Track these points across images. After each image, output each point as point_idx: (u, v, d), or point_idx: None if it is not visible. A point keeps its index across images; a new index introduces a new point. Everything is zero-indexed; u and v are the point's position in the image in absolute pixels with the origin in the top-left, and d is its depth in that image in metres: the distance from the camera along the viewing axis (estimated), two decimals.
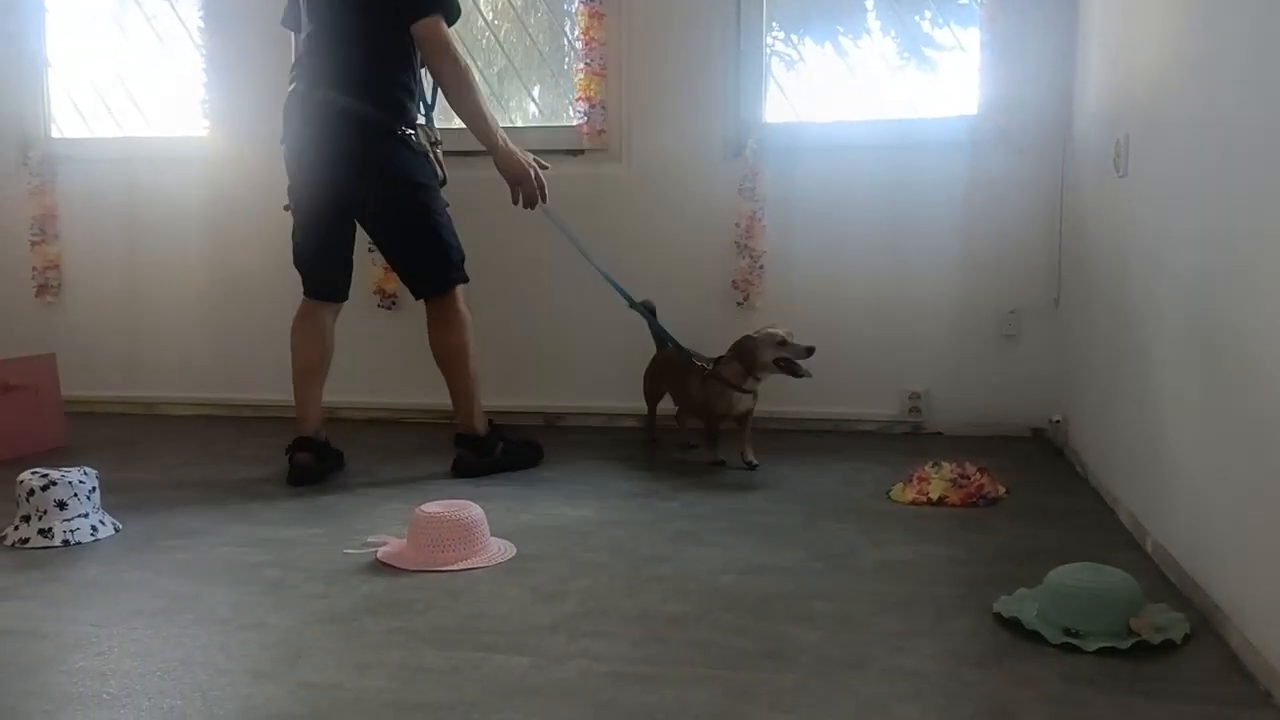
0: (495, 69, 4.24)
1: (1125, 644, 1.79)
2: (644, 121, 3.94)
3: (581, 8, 3.93)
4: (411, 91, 3.17)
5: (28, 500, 2.54)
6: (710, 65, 3.87)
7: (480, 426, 3.27)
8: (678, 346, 3.41)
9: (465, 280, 3.27)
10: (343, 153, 3.05)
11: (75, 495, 2.56)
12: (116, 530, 2.62)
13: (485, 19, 4.23)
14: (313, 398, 3.23)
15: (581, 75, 3.95)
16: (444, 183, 3.26)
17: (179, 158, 4.30)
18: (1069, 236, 3.53)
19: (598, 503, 2.88)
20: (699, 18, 3.86)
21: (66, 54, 4.52)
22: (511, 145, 3.19)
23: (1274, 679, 1.62)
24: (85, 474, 2.63)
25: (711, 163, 3.89)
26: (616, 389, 3.91)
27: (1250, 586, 1.76)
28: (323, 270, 3.21)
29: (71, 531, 2.52)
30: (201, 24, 4.25)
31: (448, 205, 3.27)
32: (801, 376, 3.13)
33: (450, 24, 3.10)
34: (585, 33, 3.92)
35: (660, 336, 3.49)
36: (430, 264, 3.21)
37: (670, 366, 3.43)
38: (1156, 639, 1.81)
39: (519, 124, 4.22)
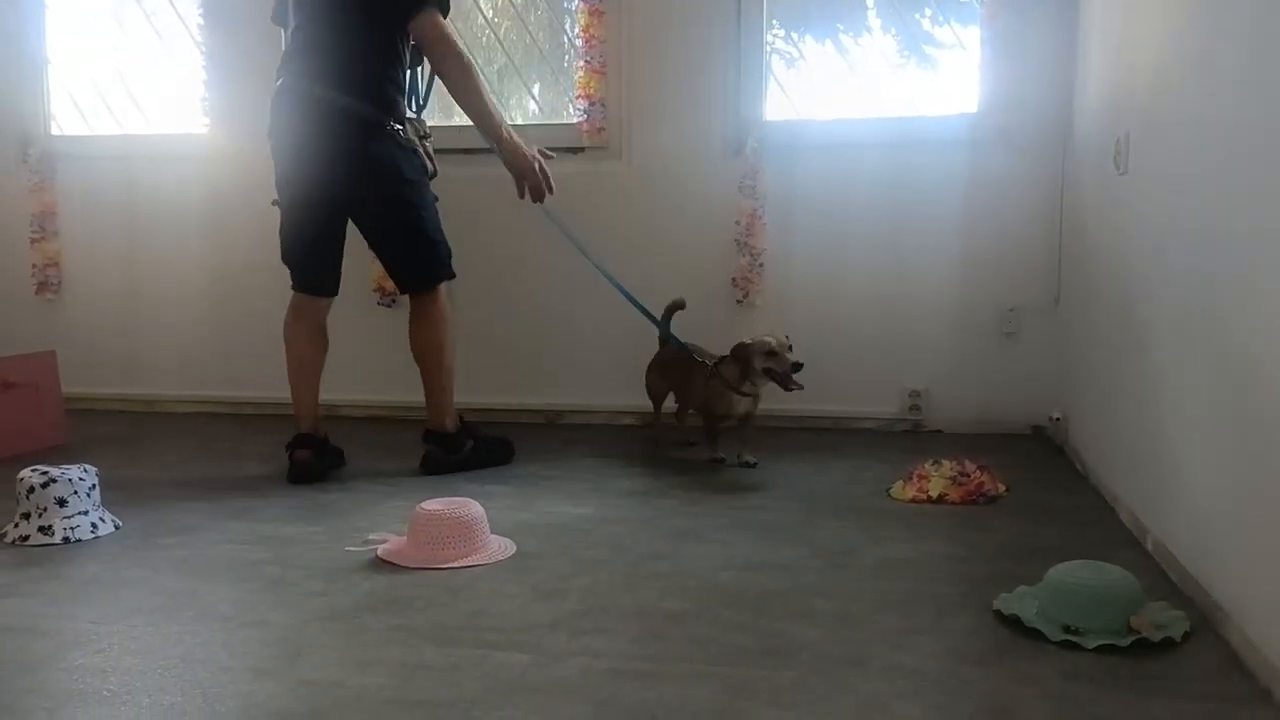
0: (495, 67, 4.24)
1: (1125, 642, 1.79)
2: (644, 119, 3.94)
3: (581, 5, 3.93)
4: (400, 86, 3.17)
5: (28, 498, 2.54)
6: (710, 63, 3.87)
7: (450, 424, 3.30)
8: (680, 344, 3.41)
9: (452, 276, 3.29)
10: (331, 148, 3.05)
11: (75, 492, 2.56)
12: (116, 527, 2.62)
13: (485, 16, 4.23)
14: (310, 395, 3.23)
15: (581, 73, 3.95)
16: (434, 175, 3.26)
17: (179, 155, 4.30)
18: (1069, 234, 3.53)
19: (598, 500, 2.88)
20: (699, 15, 3.86)
21: (66, 51, 4.52)
22: (516, 138, 3.18)
23: (1274, 676, 1.62)
24: (85, 471, 2.63)
25: (712, 160, 3.89)
26: (617, 387, 3.91)
27: (1250, 584, 1.76)
28: (314, 265, 3.20)
29: (71, 529, 2.52)
30: (201, 21, 4.25)
31: (437, 200, 3.27)
32: (790, 390, 3.09)
33: (444, 16, 3.10)
34: (585, 30, 3.92)
35: (665, 335, 3.48)
36: (417, 260, 3.22)
37: (675, 364, 3.43)
38: (1156, 637, 1.81)
39: (519, 121, 4.22)
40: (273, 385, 3.65)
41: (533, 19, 4.24)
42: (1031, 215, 3.67)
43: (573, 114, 4.01)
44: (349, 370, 3.79)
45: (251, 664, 1.80)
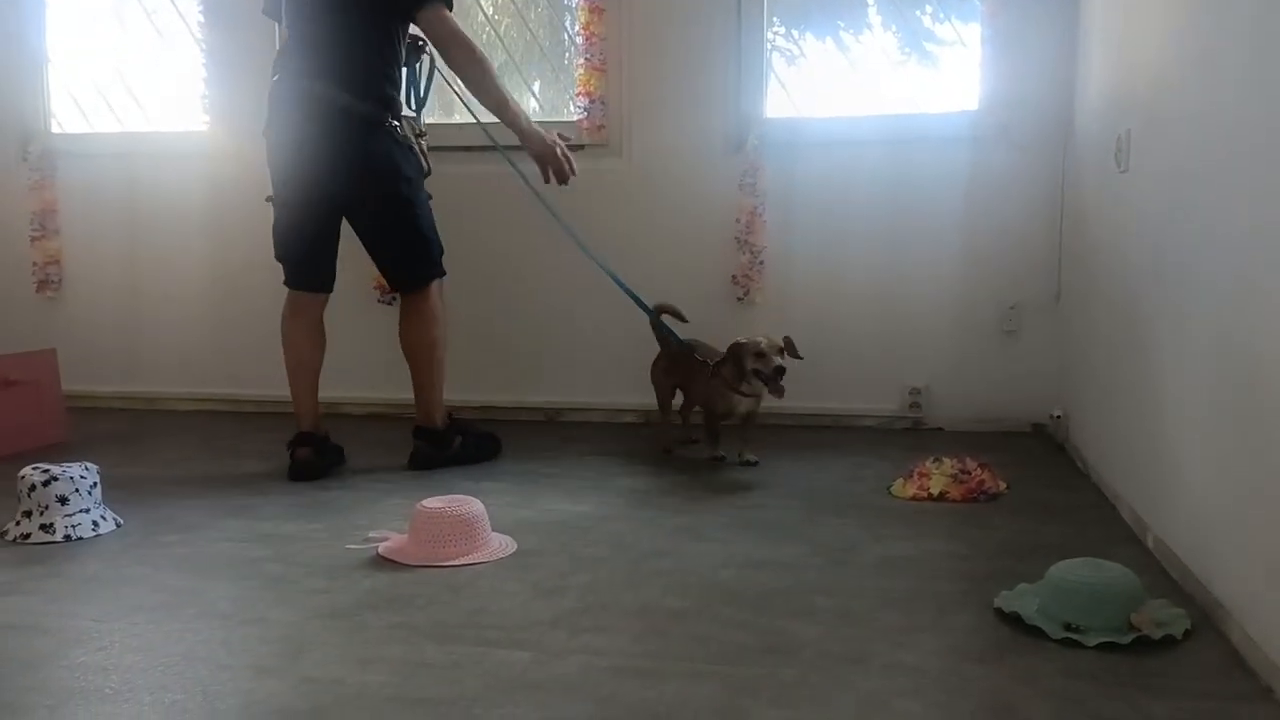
0: (495, 64, 4.23)
1: (1126, 639, 1.79)
2: (644, 117, 3.94)
3: (582, 2, 3.92)
4: (397, 84, 3.17)
5: (29, 495, 2.54)
6: (711, 60, 3.87)
7: (439, 420, 3.31)
8: (679, 342, 3.40)
9: (443, 274, 3.30)
10: (330, 145, 3.05)
11: (76, 490, 2.56)
12: (118, 525, 2.62)
13: (485, 14, 4.23)
14: (309, 392, 3.23)
15: (582, 70, 3.94)
16: (428, 174, 3.27)
17: (179, 153, 4.30)
18: (1070, 232, 3.52)
19: (598, 498, 2.88)
20: (699, 12, 3.86)
21: (67, 49, 4.52)
22: (535, 125, 3.20)
23: (1275, 674, 1.62)
24: (86, 469, 2.63)
25: (712, 158, 3.88)
26: (618, 385, 3.91)
27: (1251, 582, 1.76)
28: (311, 262, 3.21)
29: (73, 527, 2.52)
30: (201, 19, 4.25)
31: (430, 198, 3.28)
32: (772, 394, 3.08)
33: (449, 10, 3.11)
34: (585, 28, 3.92)
35: (664, 335, 3.47)
36: (411, 258, 3.23)
37: (680, 362, 3.42)
38: (1157, 634, 1.81)
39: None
40: (273, 383, 3.65)
41: (533, 16, 4.24)
42: (1032, 213, 3.67)
43: (573, 111, 4.01)
44: (350, 368, 3.79)
45: (252, 661, 1.80)
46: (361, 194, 3.13)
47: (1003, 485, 2.89)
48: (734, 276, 3.87)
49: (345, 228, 3.24)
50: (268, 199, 3.19)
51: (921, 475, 2.89)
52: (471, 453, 3.34)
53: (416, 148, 3.20)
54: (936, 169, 3.73)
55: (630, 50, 3.92)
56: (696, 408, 3.44)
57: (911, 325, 3.80)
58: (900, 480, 2.93)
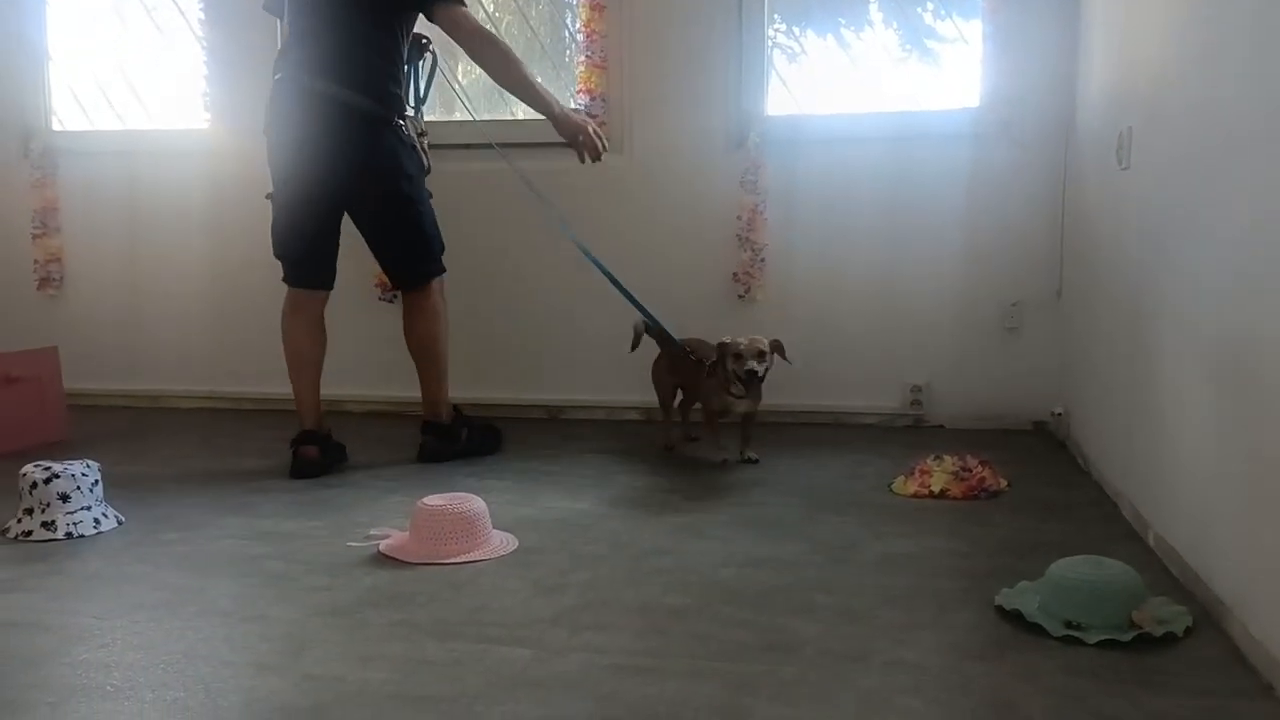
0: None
1: (1127, 636, 1.79)
2: (645, 114, 3.94)
3: (583, 0, 3.92)
4: (400, 82, 3.19)
5: (30, 493, 2.54)
6: (712, 58, 3.87)
7: (446, 414, 3.35)
8: (673, 342, 3.39)
9: (443, 272, 3.32)
10: (333, 142, 3.06)
11: (78, 488, 2.56)
12: (119, 523, 2.62)
13: (486, 11, 4.22)
14: (311, 390, 3.24)
15: (583, 67, 3.94)
16: (428, 172, 3.28)
17: (180, 150, 4.30)
18: (1071, 229, 3.52)
19: (599, 495, 2.88)
20: (700, 10, 3.85)
21: (68, 46, 4.52)
22: (566, 109, 3.25)
23: (1276, 671, 1.62)
24: (88, 467, 2.63)
25: (713, 155, 3.88)
26: (619, 383, 3.91)
27: (1252, 579, 1.76)
28: (314, 260, 3.21)
29: (74, 524, 2.52)
30: (202, 16, 4.25)
31: (431, 196, 3.29)
32: (747, 397, 3.12)
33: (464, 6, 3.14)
34: (586, 25, 3.91)
35: (664, 335, 3.46)
36: (413, 256, 3.25)
37: (681, 361, 3.41)
38: (1158, 631, 1.81)
39: (520, 116, 4.22)
40: (274, 380, 3.65)
41: (534, 13, 4.24)
42: (1033, 210, 3.66)
43: (574, 108, 4.00)
44: (350, 366, 3.79)
45: (254, 659, 1.81)
46: (364, 192, 3.14)
47: (1004, 483, 2.89)
48: (735, 274, 3.86)
49: (345, 225, 3.25)
50: (268, 196, 3.19)
51: (922, 473, 2.89)
52: (477, 445, 3.38)
53: (419, 146, 3.21)
54: (938, 166, 3.72)
55: (631, 47, 3.92)
56: (696, 405, 3.43)
57: (912, 322, 3.80)
58: (901, 478, 2.93)
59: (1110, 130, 2.86)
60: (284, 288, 3.24)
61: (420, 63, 3.31)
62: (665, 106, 3.92)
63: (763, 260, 3.84)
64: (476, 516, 2.39)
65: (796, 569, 2.24)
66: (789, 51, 4.09)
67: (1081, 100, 3.43)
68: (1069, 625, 1.83)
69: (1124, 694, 1.62)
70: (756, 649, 1.82)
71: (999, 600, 1.98)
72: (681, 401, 3.54)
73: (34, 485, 2.54)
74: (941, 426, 3.79)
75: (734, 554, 2.34)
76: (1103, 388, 2.95)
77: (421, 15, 3.15)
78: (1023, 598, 1.96)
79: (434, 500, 2.40)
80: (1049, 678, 1.68)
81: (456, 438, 3.35)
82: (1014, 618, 1.91)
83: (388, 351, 3.88)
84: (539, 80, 3.21)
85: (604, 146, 3.26)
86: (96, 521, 2.57)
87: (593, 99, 3.92)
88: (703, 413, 3.33)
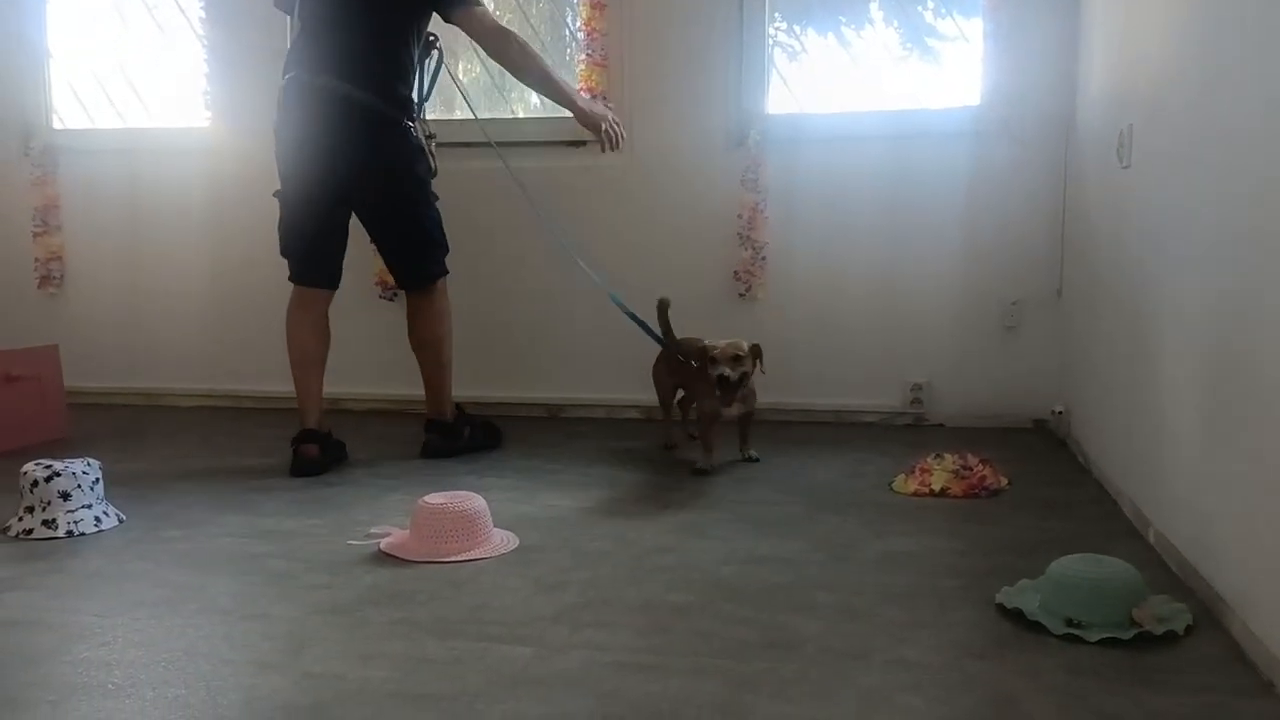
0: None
1: (1127, 634, 1.79)
2: (646, 112, 3.94)
3: None
4: (410, 84, 3.20)
5: (31, 491, 2.54)
6: (712, 56, 3.87)
7: (449, 413, 3.39)
8: (663, 342, 3.38)
9: (448, 273, 3.35)
10: (345, 142, 3.07)
11: (79, 486, 2.56)
12: (120, 521, 2.62)
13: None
14: (314, 388, 3.24)
15: (583, 66, 3.94)
16: (435, 174, 3.30)
17: (181, 149, 4.30)
18: (1072, 227, 3.52)
19: (600, 493, 2.88)
20: (701, 8, 3.85)
21: (68, 44, 4.52)
22: (588, 101, 3.32)
23: (1276, 669, 1.62)
24: (89, 465, 2.63)
25: (713, 154, 3.88)
26: (619, 381, 3.91)
27: (1252, 576, 1.76)
28: (321, 259, 3.22)
29: (75, 522, 2.52)
30: (203, 14, 4.25)
31: (438, 199, 3.31)
32: (721, 403, 3.08)
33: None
34: (587, 23, 3.91)
35: (663, 335, 3.44)
36: (420, 257, 3.28)
37: (683, 362, 3.40)
38: (1159, 629, 1.81)
39: (520, 115, 4.22)
40: (274, 379, 3.66)
41: (534, 12, 4.23)
42: (1034, 208, 3.66)
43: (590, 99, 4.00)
44: (351, 364, 3.79)
45: (254, 657, 1.81)
46: (372, 192, 3.17)
47: (1004, 481, 2.89)
48: (736, 272, 3.86)
49: (353, 225, 3.25)
50: (275, 193, 3.20)
51: (923, 471, 2.89)
52: (479, 443, 3.41)
53: (427, 149, 3.24)
54: (938, 164, 3.72)
55: (632, 46, 3.92)
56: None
57: (913, 321, 3.80)
58: (901, 476, 2.93)
59: (1111, 128, 2.86)
60: (286, 285, 3.24)
61: (426, 60, 3.32)
62: (666, 105, 3.92)
63: (763, 259, 3.84)
64: (477, 515, 2.39)
65: (797, 567, 2.24)
66: (790, 50, 4.09)
67: (1082, 98, 3.43)
68: (1070, 623, 1.83)
69: (1125, 692, 1.62)
70: (758, 647, 1.82)
71: (999, 598, 1.98)
72: (681, 400, 3.54)
73: (35, 483, 2.54)
74: (942, 425, 3.79)
75: (735, 552, 2.34)
76: (1103, 386, 2.95)
77: (435, 14, 3.17)
78: (1023, 596, 1.96)
79: (434, 498, 2.40)
80: (1049, 676, 1.68)
81: (459, 435, 3.38)
82: (1014, 616, 1.91)
83: (387, 350, 3.89)
84: (560, 77, 3.25)
85: (622, 136, 3.30)
86: (97, 519, 2.57)
87: (593, 97, 3.92)
88: (697, 414, 3.31)
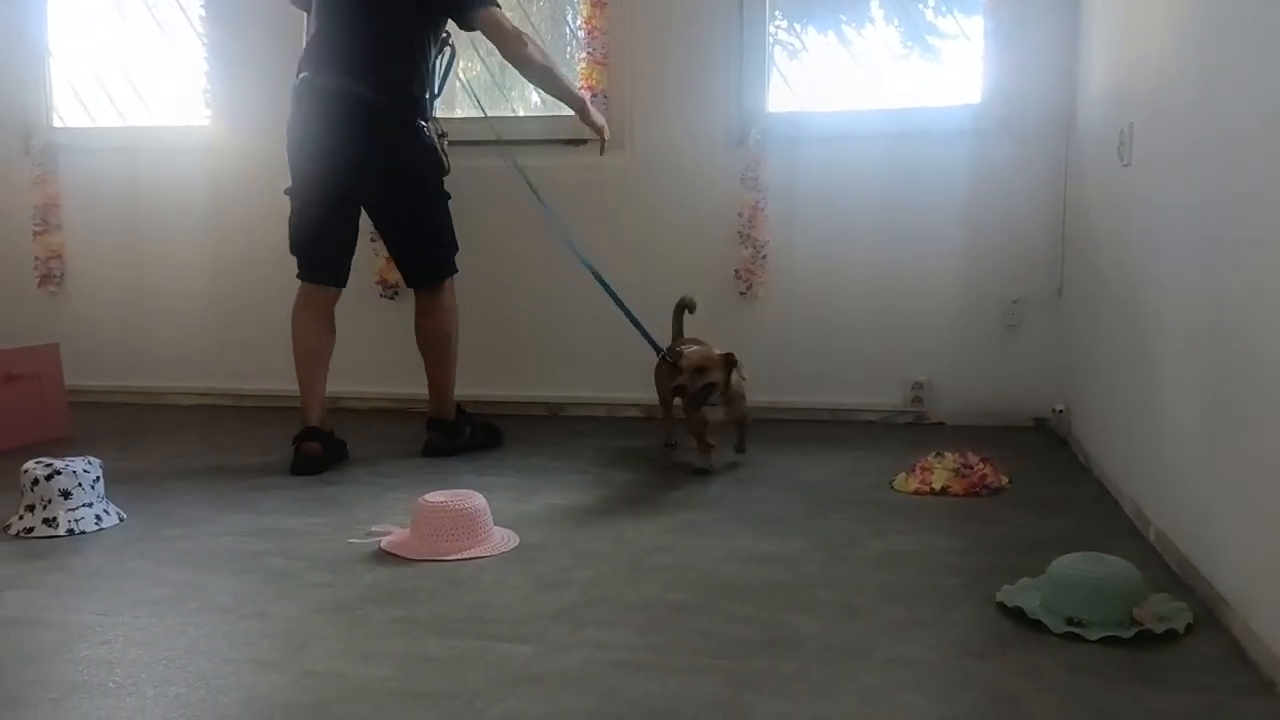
0: (496, 58, 4.20)
1: (1128, 633, 1.80)
2: (646, 111, 3.93)
3: None
4: (425, 86, 3.23)
5: (32, 489, 2.54)
6: (713, 54, 3.86)
7: (451, 412, 3.41)
8: (657, 347, 3.36)
9: (456, 272, 3.36)
10: (355, 141, 3.09)
11: (79, 484, 2.56)
12: (120, 519, 2.62)
13: None
14: (318, 385, 3.25)
15: (584, 64, 3.93)
16: (447, 173, 3.31)
17: (181, 147, 4.30)
18: (1072, 226, 3.52)
19: (600, 492, 2.88)
20: (701, 7, 3.85)
21: (68, 43, 4.52)
22: (593, 107, 3.41)
23: (1277, 668, 1.62)
24: (89, 463, 2.63)
25: (714, 152, 3.88)
26: (619, 379, 3.91)
27: (1253, 575, 1.76)
28: (331, 257, 3.24)
29: (76, 521, 2.53)
30: (203, 13, 4.24)
31: (449, 198, 3.32)
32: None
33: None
34: (587, 21, 3.91)
35: (673, 335, 3.42)
36: (430, 256, 3.31)
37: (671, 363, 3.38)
38: (1159, 628, 1.81)
39: (521, 113, 4.22)
40: (274, 378, 3.66)
41: (535, 10, 4.23)
42: (1035, 207, 3.66)
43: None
44: (351, 362, 3.78)
45: (255, 655, 1.81)
46: (384, 191, 3.20)
47: (1005, 480, 2.89)
48: (736, 271, 3.86)
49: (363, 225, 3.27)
50: (286, 191, 3.21)
51: (923, 470, 2.89)
52: (480, 441, 3.42)
53: (440, 148, 3.25)
54: (939, 163, 3.72)
55: (632, 44, 3.92)
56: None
57: (913, 319, 3.80)
58: (902, 475, 2.93)
59: (1112, 127, 2.85)
60: (287, 284, 3.24)
61: (439, 57, 3.33)
62: (666, 103, 3.91)
63: (764, 257, 3.84)
64: (477, 513, 2.39)
65: (798, 565, 2.24)
66: (790, 48, 4.09)
67: (1083, 97, 3.43)
68: (1070, 622, 1.83)
69: (1125, 691, 1.62)
70: (758, 645, 1.82)
71: (1000, 597, 1.98)
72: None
73: (35, 482, 2.54)
74: (942, 423, 3.79)
75: (735, 550, 2.34)
76: (1104, 384, 2.94)
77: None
78: (1024, 594, 1.96)
79: (435, 497, 2.40)
80: (1050, 674, 1.68)
81: (460, 434, 3.39)
82: (1015, 614, 1.91)
83: (388, 348, 3.90)
84: (571, 83, 3.35)
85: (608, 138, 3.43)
86: (98, 518, 2.57)
87: (594, 96, 3.91)
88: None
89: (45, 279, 4.44)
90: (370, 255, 3.62)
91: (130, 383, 4.40)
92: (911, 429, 3.75)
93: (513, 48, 3.19)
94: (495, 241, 4.00)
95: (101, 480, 2.64)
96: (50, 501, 2.53)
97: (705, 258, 3.88)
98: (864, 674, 1.70)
